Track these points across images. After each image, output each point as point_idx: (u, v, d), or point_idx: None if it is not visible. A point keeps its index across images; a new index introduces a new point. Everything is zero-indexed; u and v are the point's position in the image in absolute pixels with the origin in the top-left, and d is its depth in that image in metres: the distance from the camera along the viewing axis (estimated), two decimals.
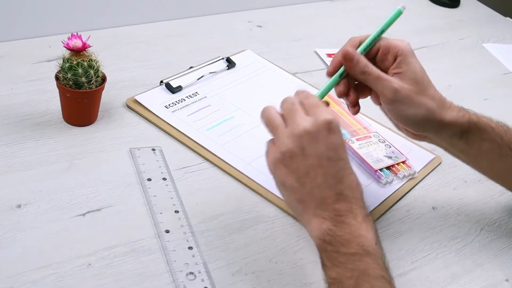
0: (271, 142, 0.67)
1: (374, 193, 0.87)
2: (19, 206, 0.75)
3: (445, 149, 0.81)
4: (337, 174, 0.64)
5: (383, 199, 0.86)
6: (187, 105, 0.96)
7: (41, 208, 0.75)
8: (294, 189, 0.65)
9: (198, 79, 1.02)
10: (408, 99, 0.73)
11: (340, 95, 0.77)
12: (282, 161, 0.65)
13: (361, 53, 0.75)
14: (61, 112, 0.89)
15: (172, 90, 0.98)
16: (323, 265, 0.63)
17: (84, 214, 0.75)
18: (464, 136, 0.76)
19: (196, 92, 0.99)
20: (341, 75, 0.75)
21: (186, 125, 0.92)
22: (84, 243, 0.72)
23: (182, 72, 1.02)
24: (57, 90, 0.87)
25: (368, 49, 0.76)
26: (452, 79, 1.21)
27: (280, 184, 0.67)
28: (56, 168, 0.81)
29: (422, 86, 0.74)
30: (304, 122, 0.64)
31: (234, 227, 0.78)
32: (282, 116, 0.67)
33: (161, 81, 0.99)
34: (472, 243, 0.83)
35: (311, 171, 0.64)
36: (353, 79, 0.76)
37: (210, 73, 1.04)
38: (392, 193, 0.87)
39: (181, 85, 0.99)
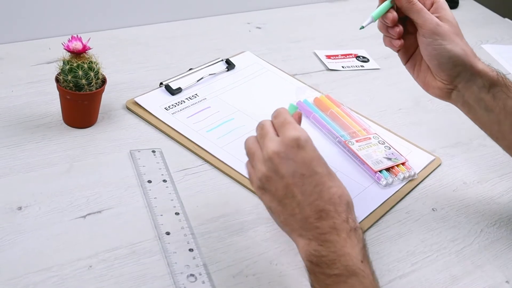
0: (252, 169, 0.67)
1: (373, 194, 0.87)
2: (19, 208, 0.75)
3: (470, 107, 0.81)
4: (314, 190, 0.63)
5: (382, 201, 0.86)
6: (187, 107, 0.96)
7: (42, 210, 0.75)
8: (278, 212, 0.65)
9: (197, 80, 1.02)
10: (447, 35, 0.78)
11: (391, 22, 0.80)
12: (263, 187, 0.65)
13: None
14: (61, 114, 0.90)
15: (172, 92, 0.98)
16: (312, 286, 0.63)
17: (84, 216, 0.75)
18: (492, 91, 0.79)
19: (196, 94, 1.00)
20: (391, 1, 0.80)
21: (186, 127, 0.92)
22: (85, 245, 0.72)
23: (181, 74, 1.02)
24: (57, 92, 0.87)
25: None
26: None
27: (268, 209, 0.67)
28: (57, 170, 0.81)
29: (458, 31, 0.80)
30: (272, 144, 0.64)
31: (235, 229, 0.78)
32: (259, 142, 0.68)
33: (161, 83, 0.99)
34: (472, 244, 0.83)
35: (288, 191, 0.63)
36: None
37: (209, 74, 1.04)
38: (392, 195, 0.87)
39: (181, 87, 0.99)
